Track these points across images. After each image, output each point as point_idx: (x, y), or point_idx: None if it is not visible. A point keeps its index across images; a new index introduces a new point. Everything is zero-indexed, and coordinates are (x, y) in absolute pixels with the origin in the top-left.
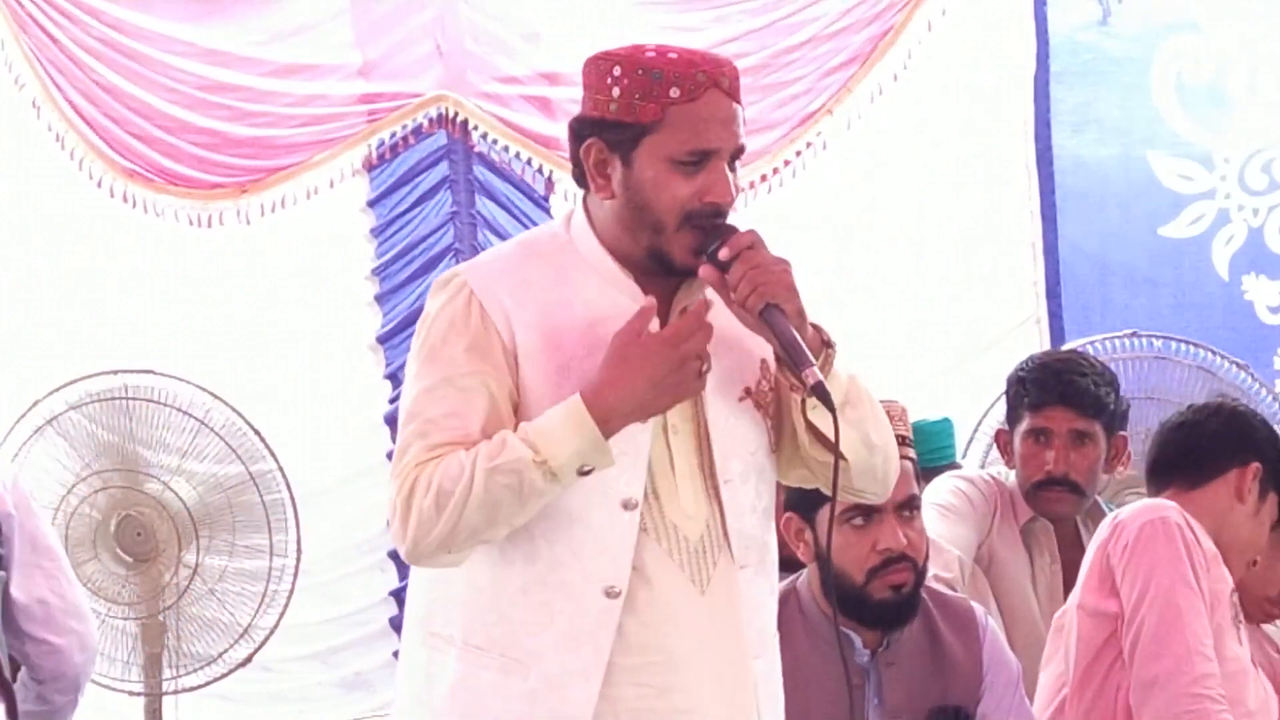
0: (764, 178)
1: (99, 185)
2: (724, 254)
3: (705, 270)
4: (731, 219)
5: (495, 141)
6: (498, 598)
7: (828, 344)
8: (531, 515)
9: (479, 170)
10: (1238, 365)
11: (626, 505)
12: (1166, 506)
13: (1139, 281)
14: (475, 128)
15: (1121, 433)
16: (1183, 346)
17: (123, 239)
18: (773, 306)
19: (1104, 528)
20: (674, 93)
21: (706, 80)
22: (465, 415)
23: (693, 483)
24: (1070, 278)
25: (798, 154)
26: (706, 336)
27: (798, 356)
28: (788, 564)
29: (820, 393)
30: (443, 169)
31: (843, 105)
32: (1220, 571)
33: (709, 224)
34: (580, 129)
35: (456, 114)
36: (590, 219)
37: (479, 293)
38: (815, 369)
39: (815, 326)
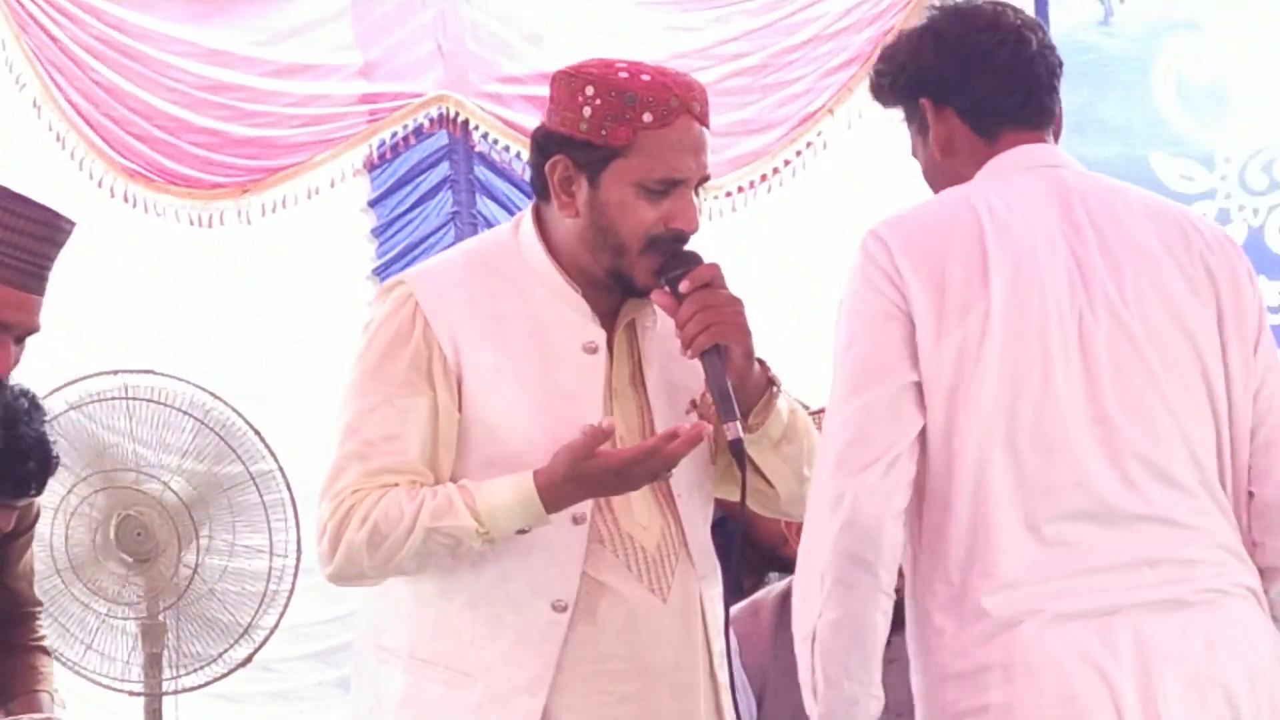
0: (764, 177)
1: (99, 185)
2: (683, 287)
3: (659, 296)
4: (725, 221)
5: (496, 142)
6: (444, 611)
7: (773, 382)
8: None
9: (480, 170)
10: None
11: (576, 520)
12: None
13: None
14: (476, 128)
15: None
16: None
17: (123, 239)
18: (715, 351)
19: None
20: (646, 118)
21: (679, 106)
22: (404, 438)
23: (645, 494)
24: None
25: (798, 154)
26: (660, 466)
27: (724, 409)
28: (787, 563)
29: (736, 450)
30: (444, 169)
31: (843, 105)
32: None
33: (672, 249)
34: (546, 144)
35: (457, 114)
36: (541, 229)
37: (423, 305)
38: (736, 425)
39: (762, 364)
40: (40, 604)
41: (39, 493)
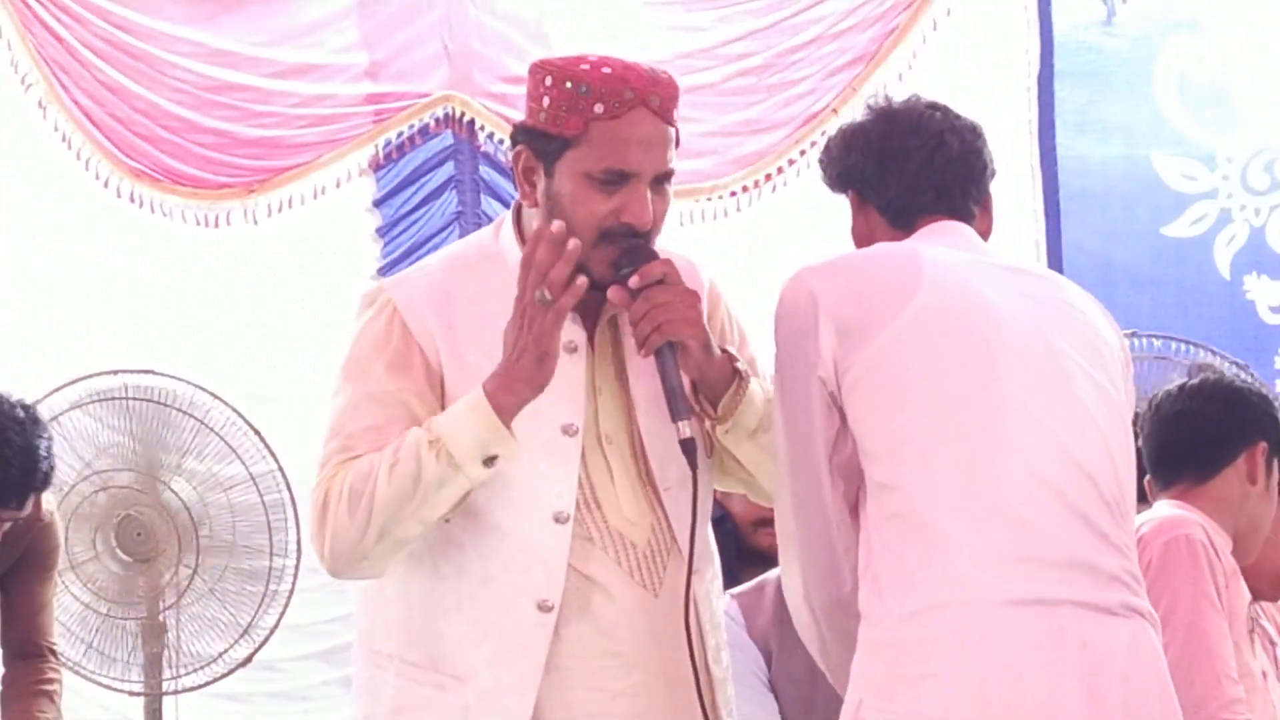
0: (768, 177)
1: (105, 185)
2: (633, 283)
3: (615, 292)
4: (730, 221)
5: (501, 142)
6: (431, 614)
7: (739, 374)
8: (442, 510)
9: (485, 170)
10: (1238, 365)
11: (558, 519)
12: (1188, 522)
13: (1141, 281)
14: (482, 128)
15: None
16: (1184, 346)
17: (129, 239)
18: (667, 348)
19: None
20: (598, 109)
21: (634, 99)
22: (385, 429)
23: (633, 491)
24: (1073, 277)
25: (802, 153)
26: (527, 278)
27: (674, 406)
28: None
29: (686, 449)
30: (449, 169)
31: (848, 105)
32: (1238, 586)
33: (626, 243)
34: (514, 135)
35: (463, 114)
36: (519, 229)
37: (403, 310)
38: (685, 424)
39: (726, 354)
40: (53, 647)
41: (19, 507)
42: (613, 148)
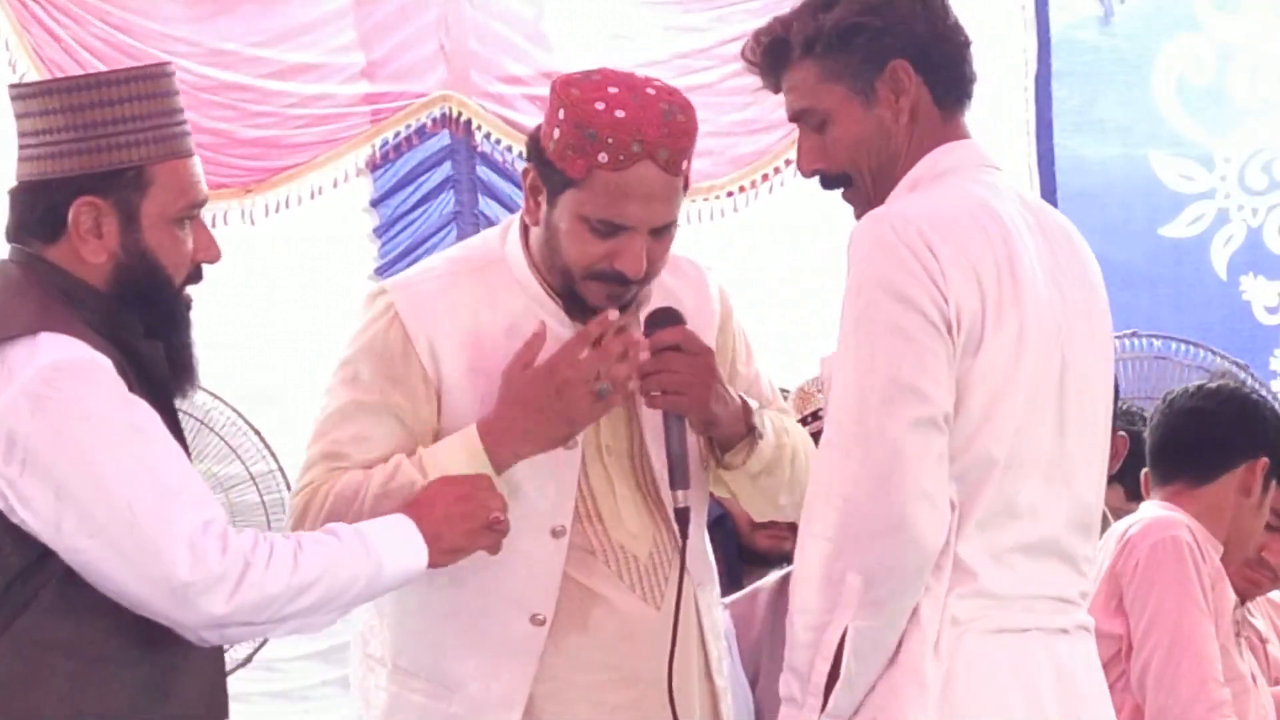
0: (765, 177)
1: None
2: (644, 354)
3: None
4: (727, 221)
5: (499, 142)
6: (426, 621)
7: (752, 430)
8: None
9: (482, 170)
10: (1236, 365)
11: (555, 533)
12: (1176, 524)
13: (1139, 281)
14: (479, 128)
15: (1120, 433)
16: (1181, 346)
17: None
18: (672, 415)
19: (1111, 544)
20: (602, 158)
21: (641, 152)
22: (373, 440)
23: (634, 502)
24: None
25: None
26: (591, 363)
27: (674, 475)
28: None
29: (679, 519)
30: (446, 169)
31: None
32: (1224, 588)
33: (618, 291)
34: (528, 148)
35: (460, 114)
36: (525, 237)
37: (403, 315)
38: (683, 494)
39: (745, 406)
40: None
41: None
42: (611, 199)
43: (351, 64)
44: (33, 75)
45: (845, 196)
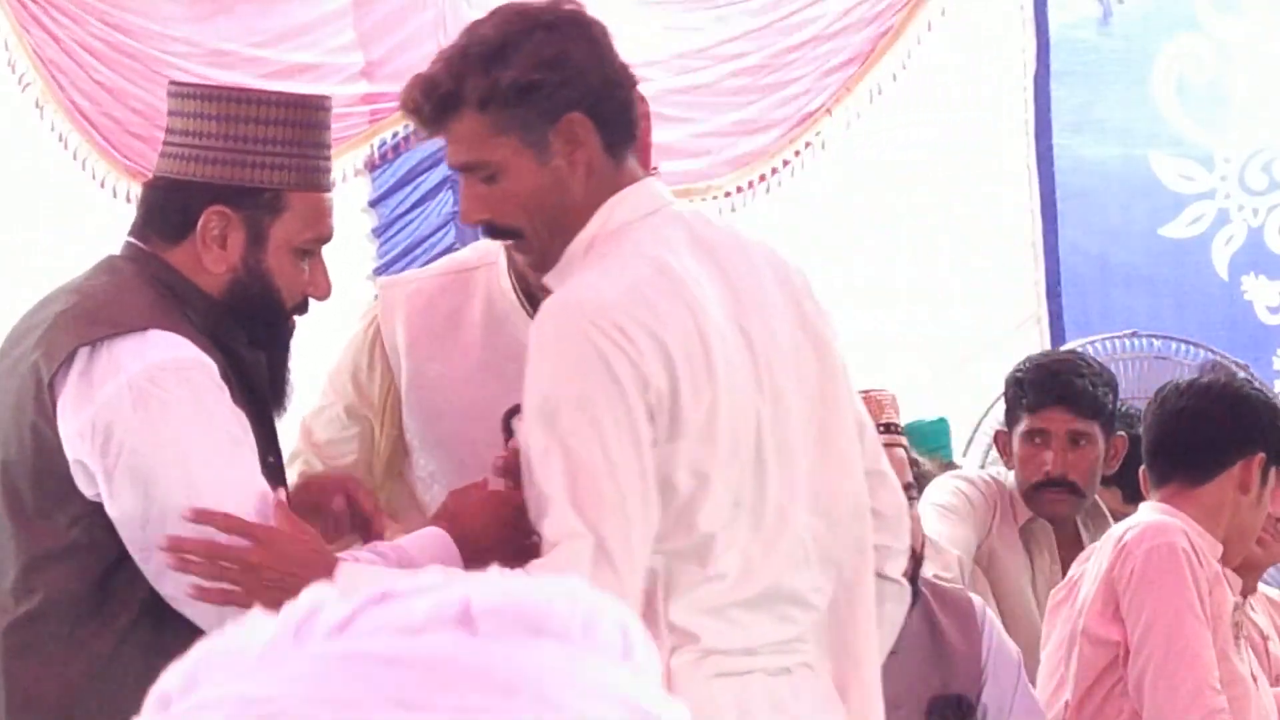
0: (763, 177)
1: (102, 185)
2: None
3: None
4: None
5: None
6: None
7: None
8: None
9: None
10: (1237, 365)
11: None
12: (1172, 530)
13: (1139, 281)
14: None
15: (1120, 433)
16: (1182, 347)
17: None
18: None
19: (1108, 549)
20: None
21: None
22: (338, 444)
23: None
24: (1071, 278)
25: (797, 154)
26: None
27: None
28: None
29: None
30: (444, 169)
31: (842, 105)
32: (1222, 592)
33: None
34: None
35: None
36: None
37: (380, 317)
38: None
39: None
40: None
41: None
42: None
43: (350, 64)
44: (32, 75)
45: (516, 248)
